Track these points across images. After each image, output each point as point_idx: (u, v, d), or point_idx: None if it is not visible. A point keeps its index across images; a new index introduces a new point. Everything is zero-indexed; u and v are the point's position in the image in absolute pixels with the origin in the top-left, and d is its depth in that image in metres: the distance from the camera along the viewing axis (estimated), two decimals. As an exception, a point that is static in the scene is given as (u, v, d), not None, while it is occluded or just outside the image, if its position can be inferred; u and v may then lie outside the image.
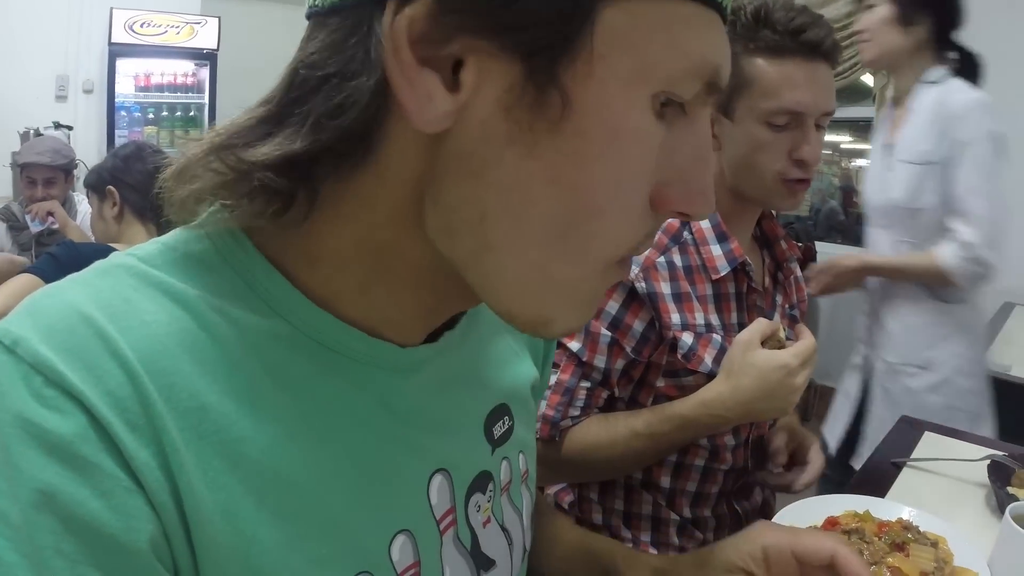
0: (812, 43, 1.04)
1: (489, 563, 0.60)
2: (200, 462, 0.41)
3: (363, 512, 0.48)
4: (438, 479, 0.54)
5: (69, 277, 0.44)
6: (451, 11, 0.39)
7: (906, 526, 0.91)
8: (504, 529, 0.62)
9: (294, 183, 0.42)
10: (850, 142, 4.59)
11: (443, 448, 0.55)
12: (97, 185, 1.88)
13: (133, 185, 1.81)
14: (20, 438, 0.37)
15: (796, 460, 1.21)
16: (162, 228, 0.48)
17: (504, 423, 0.62)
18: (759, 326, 1.05)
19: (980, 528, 1.04)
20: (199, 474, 0.40)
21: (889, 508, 0.97)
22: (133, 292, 0.43)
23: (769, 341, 1.04)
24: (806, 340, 1.04)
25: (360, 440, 0.49)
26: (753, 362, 1.01)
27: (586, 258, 0.44)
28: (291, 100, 0.43)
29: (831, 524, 0.91)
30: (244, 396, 0.43)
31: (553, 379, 1.11)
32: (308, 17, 0.45)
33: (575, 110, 0.40)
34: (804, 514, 0.94)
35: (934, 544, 0.88)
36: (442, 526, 0.55)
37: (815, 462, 1.18)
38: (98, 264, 0.46)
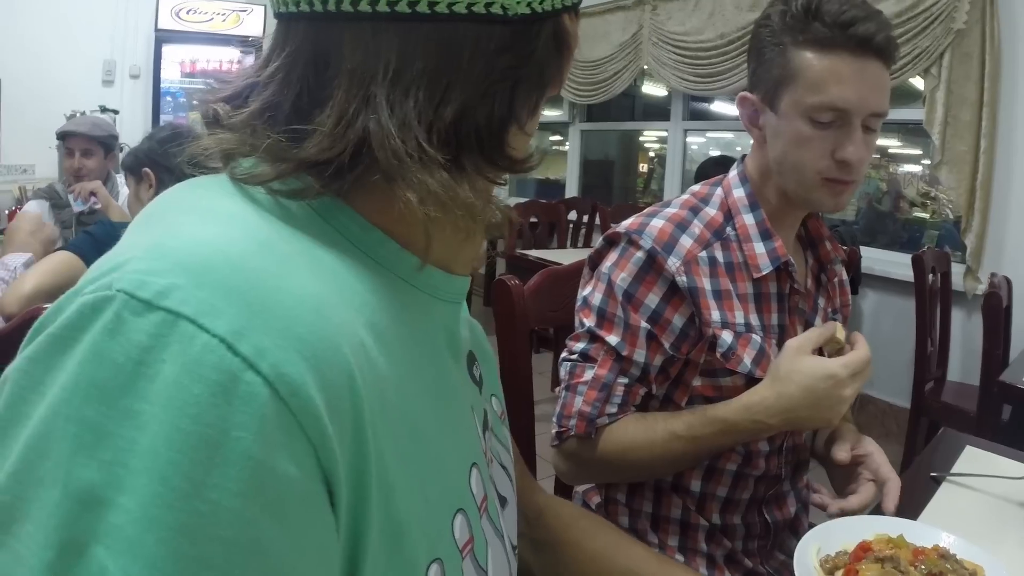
0: (862, 37, 0.99)
1: (504, 501, 0.62)
2: (371, 410, 0.40)
3: (452, 448, 0.51)
4: (474, 416, 0.57)
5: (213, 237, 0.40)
6: None
7: (943, 554, 0.86)
8: (503, 467, 0.65)
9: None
10: (899, 146, 4.48)
11: (468, 385, 0.58)
12: (134, 167, 1.90)
13: (170, 168, 1.82)
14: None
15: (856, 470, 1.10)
16: None
17: (478, 367, 0.64)
18: (812, 333, 1.02)
19: (1021, 550, 0.99)
20: (371, 429, 0.39)
21: (925, 532, 0.92)
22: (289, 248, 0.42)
23: (828, 344, 1.01)
24: (859, 351, 1.00)
25: (439, 375, 0.51)
26: (800, 368, 0.98)
27: None
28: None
29: (864, 550, 0.87)
30: (377, 335, 0.43)
31: (590, 374, 1.09)
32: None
33: None
34: (834, 536, 0.90)
35: (972, 574, 0.84)
36: (488, 460, 0.58)
37: (868, 488, 1.05)
38: (221, 209, 0.43)
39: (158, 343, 0.33)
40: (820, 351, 1.02)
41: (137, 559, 0.30)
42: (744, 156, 1.18)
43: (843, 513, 1.01)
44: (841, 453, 1.07)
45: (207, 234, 0.39)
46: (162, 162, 1.85)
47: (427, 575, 0.45)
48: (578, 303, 1.15)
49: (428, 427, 0.47)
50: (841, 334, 1.02)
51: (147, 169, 1.86)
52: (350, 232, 0.46)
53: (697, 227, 1.10)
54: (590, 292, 1.12)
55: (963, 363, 3.31)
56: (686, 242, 1.07)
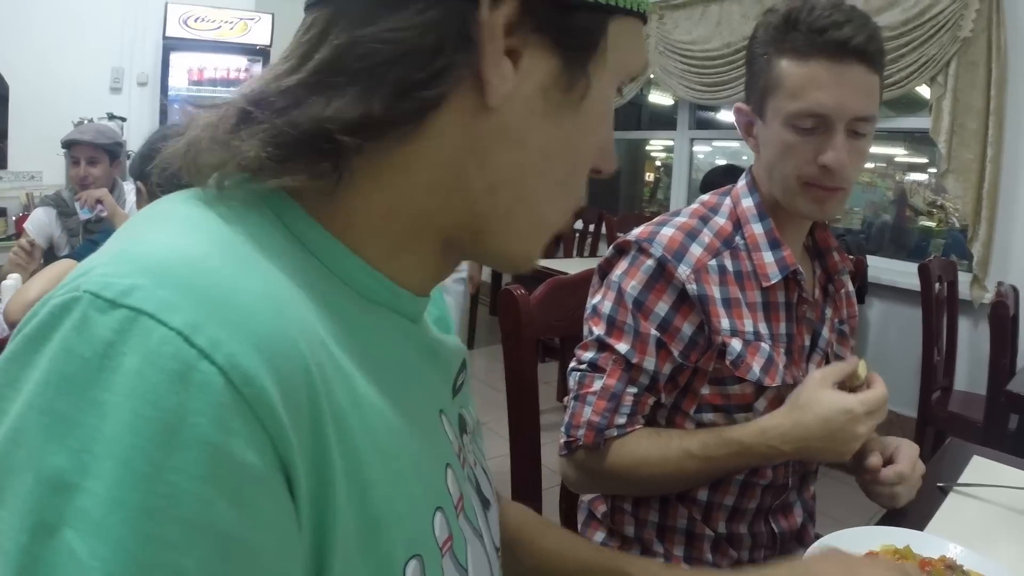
0: (838, 42, 1.00)
1: (487, 503, 0.64)
2: (332, 408, 0.41)
3: (428, 448, 0.53)
4: (443, 419, 0.59)
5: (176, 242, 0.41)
6: (528, 13, 0.48)
7: (950, 565, 0.86)
8: (484, 470, 0.67)
9: (348, 147, 0.46)
10: (905, 155, 4.48)
11: (440, 391, 0.61)
12: (134, 176, 1.89)
13: (159, 184, 1.81)
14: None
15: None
16: None
17: (462, 377, 0.66)
18: (836, 366, 1.03)
19: (1030, 561, 0.99)
20: (333, 424, 0.41)
21: (932, 543, 0.92)
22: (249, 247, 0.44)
23: (849, 380, 1.02)
24: (877, 390, 1.01)
25: (412, 381, 0.54)
26: (820, 399, 0.99)
27: (568, 206, 0.57)
28: (351, 70, 0.47)
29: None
30: (336, 334, 0.45)
31: (599, 384, 1.09)
32: None
33: (590, 93, 0.53)
34: (841, 546, 0.90)
35: None
36: (461, 462, 0.60)
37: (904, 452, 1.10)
38: (184, 214, 0.45)
39: (120, 338, 0.35)
40: (843, 385, 1.02)
41: (103, 539, 0.32)
42: (752, 166, 1.18)
43: (900, 476, 1.05)
44: (873, 459, 1.08)
45: (169, 239, 0.41)
46: (151, 176, 1.82)
47: (405, 571, 0.46)
48: (587, 312, 1.15)
49: (401, 426, 0.48)
50: (863, 371, 1.03)
51: (139, 182, 1.84)
52: (308, 239, 0.48)
53: (707, 236, 1.11)
54: (600, 300, 1.12)
55: (970, 372, 3.29)
56: (696, 250, 1.08)
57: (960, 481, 1.22)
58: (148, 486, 0.33)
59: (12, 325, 1.53)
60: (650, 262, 1.08)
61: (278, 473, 0.37)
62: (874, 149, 4.35)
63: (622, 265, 1.11)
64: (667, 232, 1.09)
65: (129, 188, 3.07)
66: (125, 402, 0.34)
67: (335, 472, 0.40)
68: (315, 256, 0.48)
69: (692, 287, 1.06)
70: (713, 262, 1.08)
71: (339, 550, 0.40)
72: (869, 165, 4.51)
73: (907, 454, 1.08)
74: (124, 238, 0.43)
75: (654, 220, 1.15)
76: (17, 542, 0.33)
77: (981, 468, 1.29)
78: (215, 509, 0.34)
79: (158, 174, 0.49)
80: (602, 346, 1.10)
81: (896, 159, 4.52)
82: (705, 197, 1.20)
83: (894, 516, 1.08)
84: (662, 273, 1.07)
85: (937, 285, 2.80)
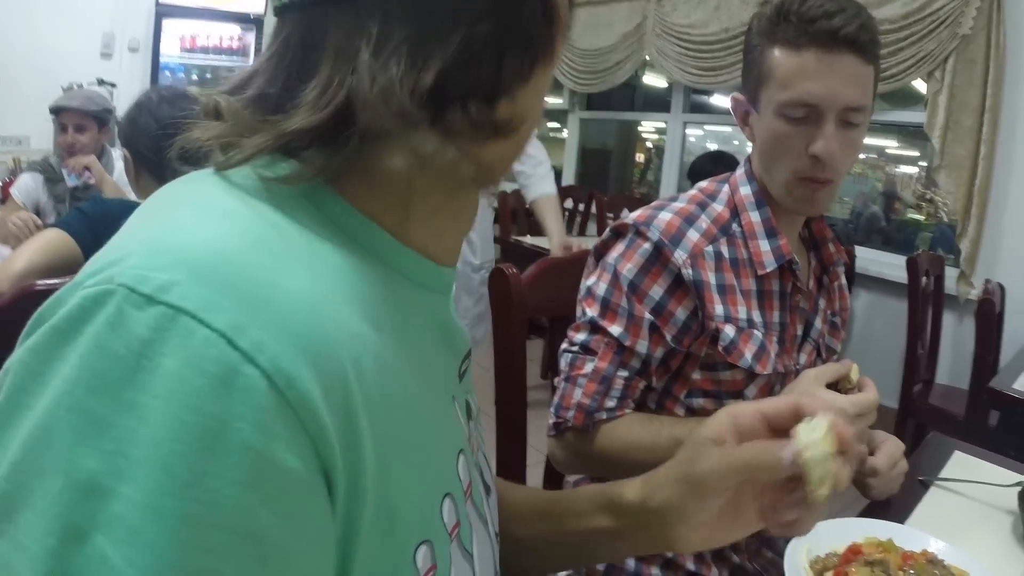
0: (828, 31, 1.00)
1: (488, 489, 0.64)
2: (366, 403, 0.40)
3: (443, 434, 0.53)
4: (456, 405, 0.58)
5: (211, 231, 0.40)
6: None
7: (931, 559, 0.87)
8: (486, 457, 0.66)
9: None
10: (896, 147, 4.49)
11: (452, 376, 0.59)
12: (121, 142, 1.84)
13: (143, 153, 1.75)
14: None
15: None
16: None
17: (466, 364, 0.64)
18: (830, 367, 1.04)
19: (1006, 557, 1.00)
20: (367, 419, 0.40)
21: (914, 537, 0.93)
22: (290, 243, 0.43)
23: (841, 382, 1.02)
24: (869, 393, 1.02)
25: (427, 363, 0.52)
26: (812, 397, 0.99)
27: None
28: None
29: (853, 552, 0.88)
30: (374, 324, 0.44)
31: (590, 367, 1.10)
32: None
33: None
34: (824, 537, 0.91)
35: None
36: (472, 448, 0.59)
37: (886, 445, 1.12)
38: (216, 203, 0.43)
39: (159, 337, 0.34)
40: (835, 386, 1.03)
41: (140, 546, 0.31)
42: (749, 155, 1.18)
43: (873, 470, 1.06)
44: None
45: (205, 231, 0.39)
46: (136, 145, 1.77)
47: (416, 556, 0.45)
48: (581, 293, 1.15)
49: (422, 413, 0.48)
50: (855, 375, 1.04)
51: (125, 150, 1.80)
52: (342, 221, 0.47)
53: (704, 222, 1.11)
54: (595, 282, 1.12)
55: (952, 367, 3.32)
56: (693, 236, 1.09)
57: (941, 475, 1.23)
58: (188, 493, 0.32)
59: None
60: (647, 245, 1.08)
61: (318, 476, 0.37)
62: (866, 140, 4.36)
63: (619, 248, 1.12)
64: (665, 216, 1.10)
65: (117, 155, 3.03)
66: (164, 405, 0.33)
67: (367, 467, 0.40)
68: (347, 235, 0.47)
69: (688, 272, 1.06)
70: (710, 248, 1.09)
71: (363, 539, 0.40)
72: (860, 156, 4.52)
73: (887, 451, 1.09)
74: (153, 223, 0.41)
75: (652, 204, 1.16)
76: (44, 546, 0.31)
77: (962, 463, 1.30)
78: (256, 516, 0.34)
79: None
80: (595, 328, 1.11)
81: (887, 151, 4.54)
82: (704, 184, 1.20)
83: (876, 508, 1.09)
84: (658, 257, 1.08)
85: (924, 279, 2.82)
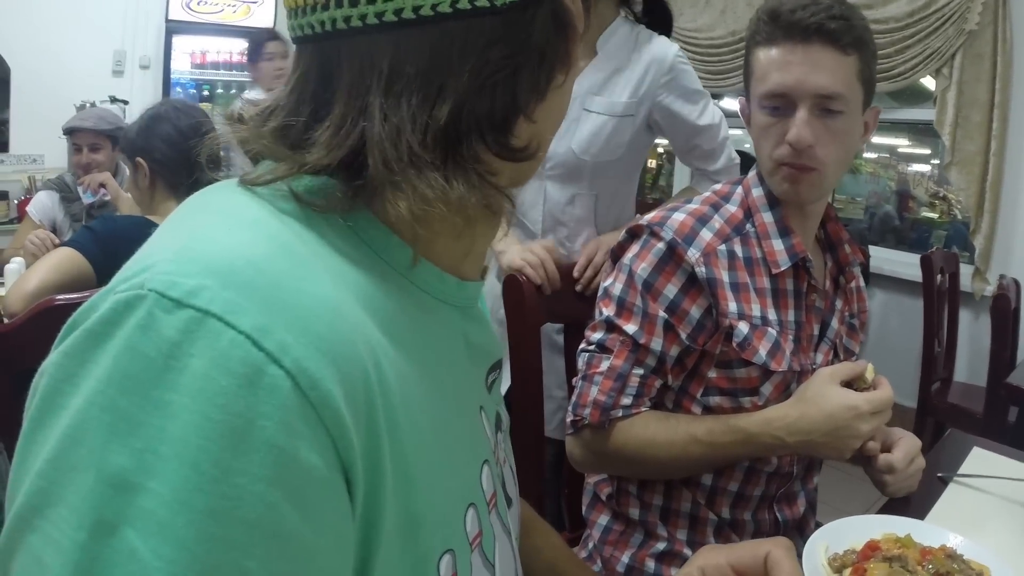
0: (795, 23, 1.04)
1: (510, 501, 0.64)
2: (386, 408, 0.41)
3: (468, 445, 0.54)
4: (483, 415, 0.59)
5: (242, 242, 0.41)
6: None
7: (950, 555, 0.86)
8: (512, 470, 0.67)
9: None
10: (908, 146, 4.47)
11: (480, 387, 0.60)
12: (129, 153, 1.86)
13: (161, 161, 1.77)
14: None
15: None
16: None
17: (495, 375, 0.65)
18: (846, 365, 1.05)
19: (1028, 552, 0.99)
20: (386, 423, 0.41)
21: (933, 533, 0.93)
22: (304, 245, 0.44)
23: (856, 381, 1.03)
24: (884, 391, 1.03)
25: (452, 374, 0.53)
26: (826, 394, 1.01)
27: None
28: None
29: (872, 548, 0.87)
30: (391, 334, 0.45)
31: (606, 364, 1.11)
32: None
33: None
34: (843, 534, 0.91)
35: (979, 575, 0.84)
36: (497, 459, 0.59)
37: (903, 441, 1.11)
38: (247, 215, 0.44)
39: (187, 338, 0.35)
40: (850, 385, 1.04)
41: (167, 540, 0.32)
42: None
43: (890, 466, 1.06)
44: (871, 444, 1.08)
45: (232, 239, 0.41)
46: (153, 155, 1.78)
47: (439, 565, 0.46)
48: (599, 294, 1.18)
49: (444, 422, 0.48)
50: (871, 375, 1.04)
51: (140, 159, 1.81)
52: (367, 234, 0.48)
53: (717, 222, 1.13)
54: (611, 283, 1.15)
55: (970, 364, 3.30)
56: (706, 235, 1.10)
57: (960, 472, 1.23)
58: (214, 488, 0.33)
59: (11, 316, 1.52)
60: (660, 245, 1.10)
61: (339, 475, 0.38)
62: (877, 139, 4.35)
63: (634, 248, 1.14)
64: (678, 217, 1.12)
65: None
66: (192, 404, 0.34)
67: (386, 470, 0.41)
68: (371, 247, 0.48)
69: (701, 270, 1.07)
70: (723, 247, 1.10)
71: (383, 544, 0.41)
72: (871, 155, 4.50)
73: (903, 448, 1.09)
74: (183, 231, 0.43)
75: (666, 205, 1.18)
76: (74, 539, 0.33)
77: (981, 459, 1.30)
78: (279, 511, 0.35)
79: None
80: (610, 327, 1.12)
81: (899, 149, 4.52)
82: (718, 186, 1.23)
83: (895, 506, 1.08)
84: (672, 256, 1.09)
85: (939, 277, 2.81)
